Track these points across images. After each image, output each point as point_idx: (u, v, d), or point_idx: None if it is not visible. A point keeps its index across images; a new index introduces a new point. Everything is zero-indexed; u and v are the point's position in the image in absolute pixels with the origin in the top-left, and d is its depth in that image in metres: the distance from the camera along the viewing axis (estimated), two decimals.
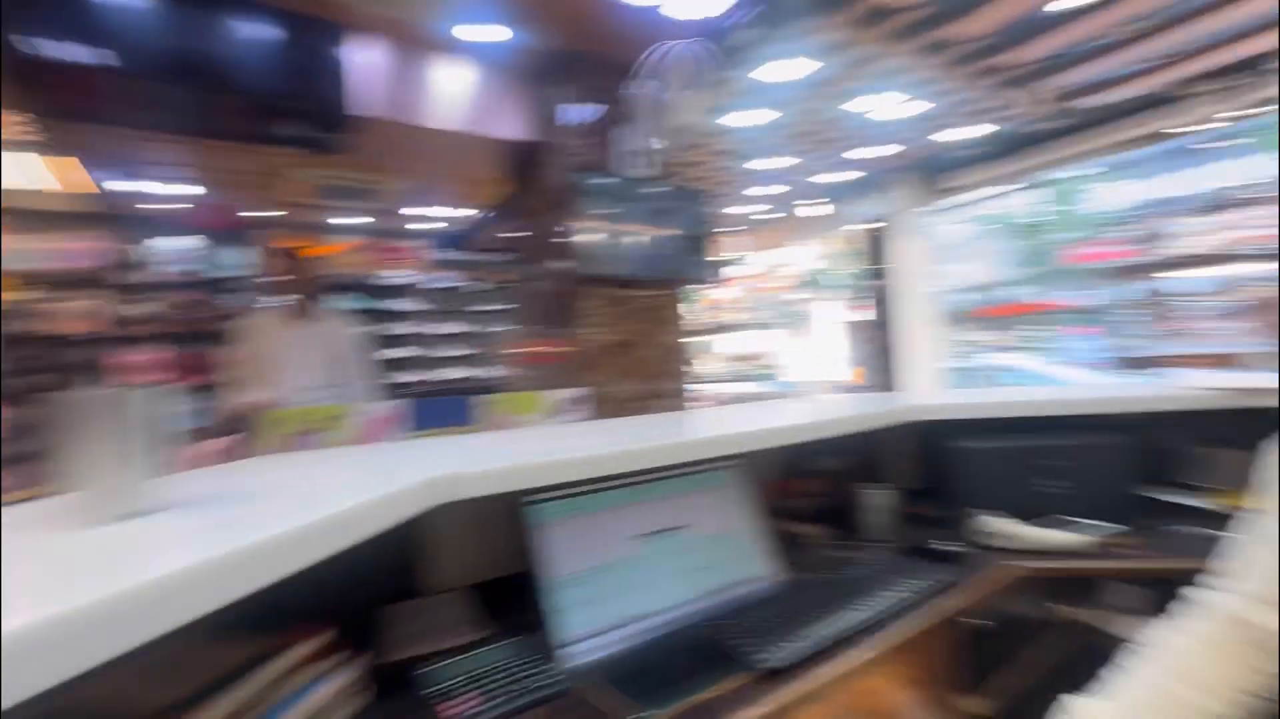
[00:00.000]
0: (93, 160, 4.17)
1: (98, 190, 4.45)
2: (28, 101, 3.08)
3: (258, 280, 5.09)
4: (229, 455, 2.43)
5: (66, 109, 3.20)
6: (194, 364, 4.60)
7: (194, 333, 4.75)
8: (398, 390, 4.03)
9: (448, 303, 6.53)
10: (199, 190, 5.13)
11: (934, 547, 1.39)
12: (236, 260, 5.24)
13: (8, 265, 3.92)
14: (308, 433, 2.05)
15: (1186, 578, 0.77)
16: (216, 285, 5.10)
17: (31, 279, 4.18)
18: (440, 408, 2.36)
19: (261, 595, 0.50)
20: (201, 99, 3.17)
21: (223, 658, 0.68)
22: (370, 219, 6.21)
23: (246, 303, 4.82)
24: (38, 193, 4.23)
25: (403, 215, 6.48)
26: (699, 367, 8.42)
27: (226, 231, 5.27)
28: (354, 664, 0.81)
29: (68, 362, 4.20)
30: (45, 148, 3.82)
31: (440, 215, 6.69)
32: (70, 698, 0.39)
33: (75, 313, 4.25)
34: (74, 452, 0.59)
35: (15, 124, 3.38)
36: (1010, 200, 6.31)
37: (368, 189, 5.11)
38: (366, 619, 0.96)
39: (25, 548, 0.61)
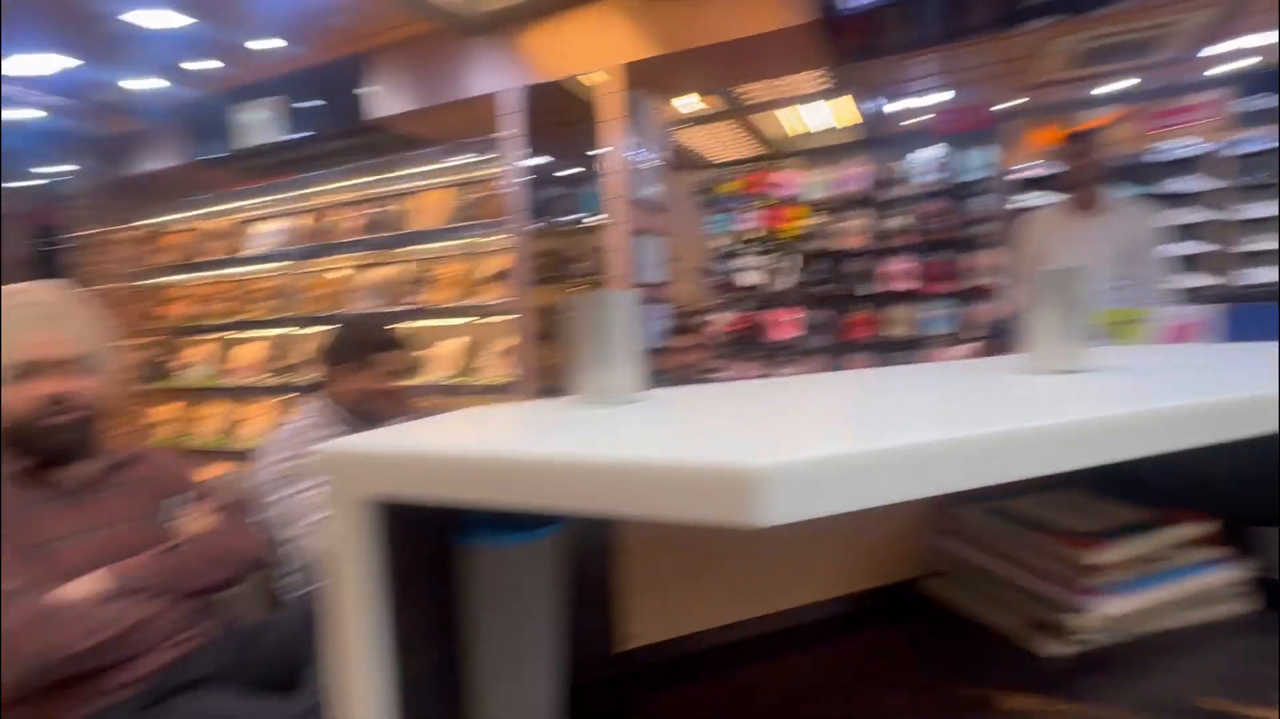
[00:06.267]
0: (860, 92, 4.68)
1: (862, 119, 5.17)
2: (825, 55, 3.46)
3: (1011, 178, 4.76)
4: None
5: (849, 52, 3.47)
6: (943, 271, 4.89)
7: (942, 241, 4.91)
8: (1186, 295, 3.23)
9: (1254, 176, 4.35)
10: (946, 97, 4.91)
11: None
12: (982, 161, 4.85)
13: (808, 197, 5.22)
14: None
15: None
16: (963, 191, 4.89)
17: (819, 206, 5.20)
18: (1254, 316, 1.95)
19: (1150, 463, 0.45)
20: (949, 3, 3.16)
21: (1106, 512, 0.69)
22: (1137, 79, 4.67)
23: (998, 205, 4.73)
24: (822, 133, 5.43)
25: (1188, 62, 4.39)
26: None
27: (974, 133, 4.90)
28: (1239, 566, 0.73)
29: (848, 271, 5.12)
30: (829, 93, 4.57)
31: (1246, 49, 4.24)
32: None
33: (850, 230, 5.10)
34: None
35: (814, 78, 4.13)
36: None
37: (1146, 38, 3.85)
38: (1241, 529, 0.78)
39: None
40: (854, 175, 5.16)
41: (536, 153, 3.40)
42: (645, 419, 0.53)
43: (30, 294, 1.15)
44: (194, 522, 1.23)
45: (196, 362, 4.32)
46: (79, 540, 1.11)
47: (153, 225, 4.66)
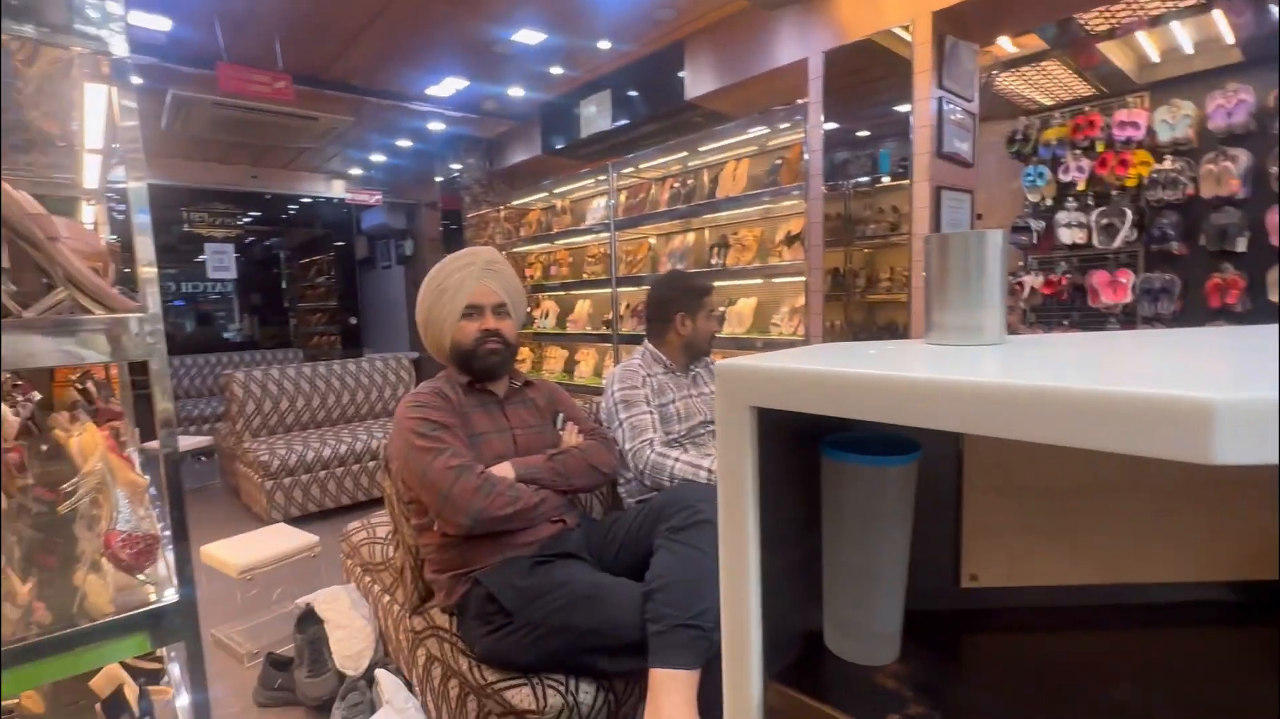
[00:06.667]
0: (1240, 3, 3.52)
1: (1240, 38, 3.79)
2: None
3: None
4: None
5: None
6: None
7: None
8: None
9: None
10: None
11: None
12: None
13: (1157, 138, 3.94)
14: None
15: None
16: None
17: (1167, 148, 3.93)
18: None
19: None
20: None
21: None
22: None
23: None
24: (1182, 59, 4.05)
25: None
26: None
27: None
28: None
29: (1211, 224, 3.86)
30: (1195, 10, 3.60)
31: None
32: None
33: (1215, 174, 3.85)
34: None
35: None
36: None
37: None
38: None
39: None
40: (1226, 106, 3.93)
41: (834, 116, 3.25)
42: (1037, 356, 0.49)
43: (476, 255, 1.47)
44: (571, 436, 1.47)
45: (547, 313, 5.08)
46: (497, 437, 1.41)
47: (519, 205, 5.54)
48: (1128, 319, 4.23)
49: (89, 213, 2.45)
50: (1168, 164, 4.14)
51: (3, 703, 1.18)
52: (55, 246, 0.91)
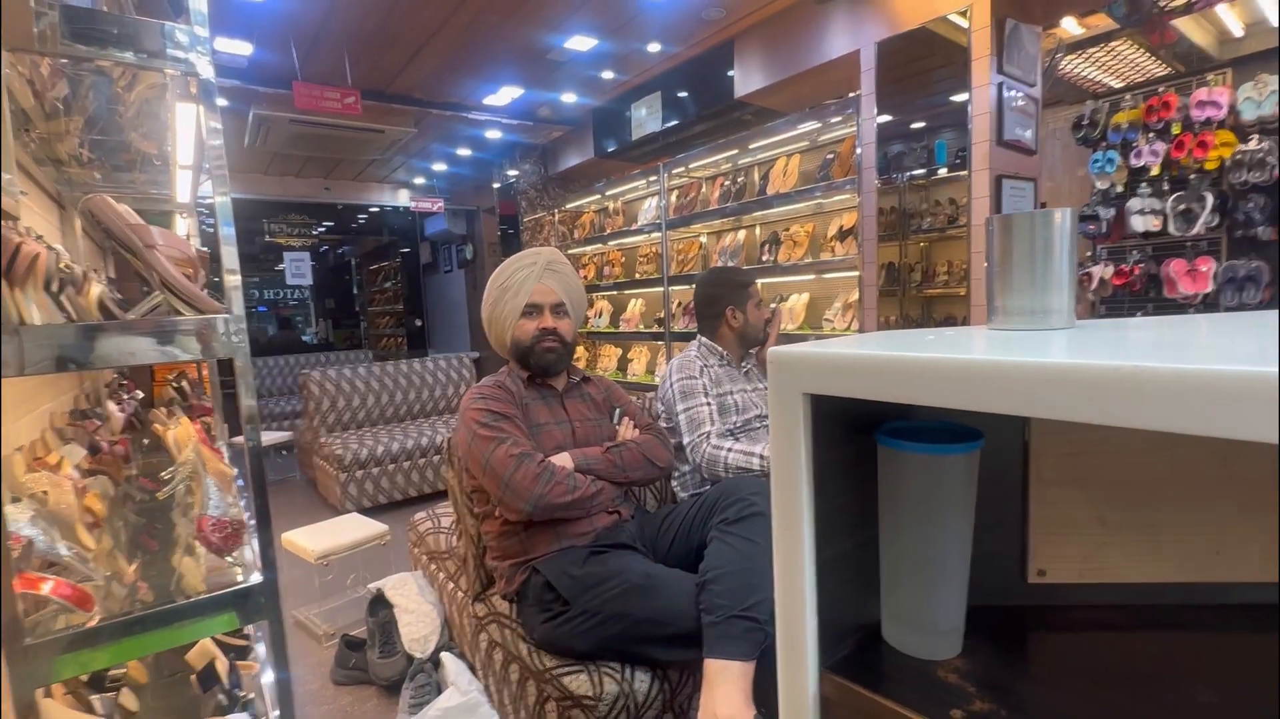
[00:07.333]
0: None
1: None
2: None
3: None
4: None
5: None
6: None
7: None
8: None
9: None
10: None
11: None
12: None
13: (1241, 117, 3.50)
14: None
15: None
16: None
17: (1253, 127, 3.51)
18: None
19: None
20: None
21: None
22: None
23: None
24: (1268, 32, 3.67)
25: None
26: None
27: None
28: None
29: None
30: None
31: None
32: None
33: None
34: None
35: None
36: None
37: None
38: None
39: None
40: None
41: (888, 108, 3.15)
42: (1108, 338, 0.46)
43: (538, 255, 1.49)
44: (627, 430, 1.48)
45: (601, 313, 5.12)
46: (557, 428, 1.43)
47: (573, 208, 5.60)
48: (1209, 310, 3.93)
49: (182, 225, 2.62)
50: (1253, 144, 3.81)
51: (111, 671, 1.27)
52: (152, 254, 0.98)
